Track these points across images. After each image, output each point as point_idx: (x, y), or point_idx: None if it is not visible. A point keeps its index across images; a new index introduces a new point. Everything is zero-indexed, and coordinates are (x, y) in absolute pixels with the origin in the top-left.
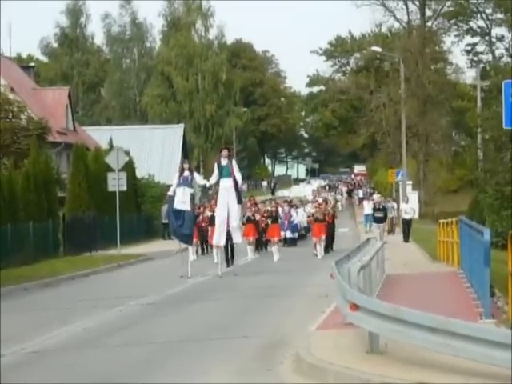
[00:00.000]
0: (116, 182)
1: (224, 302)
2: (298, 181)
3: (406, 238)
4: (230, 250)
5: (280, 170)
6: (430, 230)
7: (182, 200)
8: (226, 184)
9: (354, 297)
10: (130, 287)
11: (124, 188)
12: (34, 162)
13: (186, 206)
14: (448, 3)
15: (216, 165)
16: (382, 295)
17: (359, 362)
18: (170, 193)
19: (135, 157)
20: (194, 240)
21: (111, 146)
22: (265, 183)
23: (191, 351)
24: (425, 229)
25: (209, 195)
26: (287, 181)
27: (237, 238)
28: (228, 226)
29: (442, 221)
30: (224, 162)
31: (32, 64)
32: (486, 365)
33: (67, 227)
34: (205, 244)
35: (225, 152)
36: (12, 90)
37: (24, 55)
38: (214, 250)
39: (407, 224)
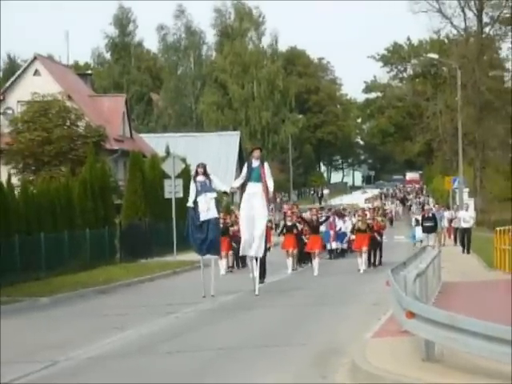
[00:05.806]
0: (172, 189)
1: (278, 310)
2: (354, 188)
3: (466, 249)
4: (260, 264)
5: (336, 177)
6: (486, 237)
7: (206, 209)
8: (253, 189)
9: (410, 304)
10: (185, 294)
11: (180, 195)
12: (91, 169)
13: (212, 213)
14: (505, 10)
15: (246, 166)
16: (438, 303)
17: (415, 370)
18: (190, 204)
19: (191, 164)
20: (224, 252)
21: (168, 154)
22: (326, 191)
23: (246, 358)
24: (481, 236)
25: None
26: (343, 188)
27: (254, 251)
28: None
29: (499, 228)
30: (255, 163)
31: (89, 72)
32: None
33: (123, 234)
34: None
35: (256, 153)
36: (69, 97)
37: (81, 63)
38: (249, 263)
39: (466, 233)
